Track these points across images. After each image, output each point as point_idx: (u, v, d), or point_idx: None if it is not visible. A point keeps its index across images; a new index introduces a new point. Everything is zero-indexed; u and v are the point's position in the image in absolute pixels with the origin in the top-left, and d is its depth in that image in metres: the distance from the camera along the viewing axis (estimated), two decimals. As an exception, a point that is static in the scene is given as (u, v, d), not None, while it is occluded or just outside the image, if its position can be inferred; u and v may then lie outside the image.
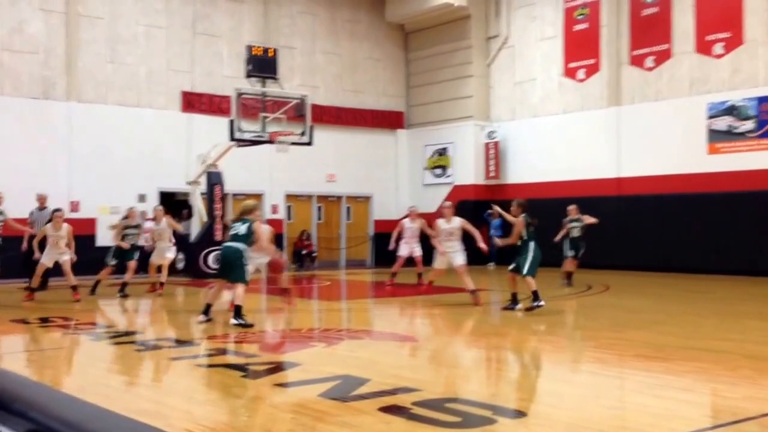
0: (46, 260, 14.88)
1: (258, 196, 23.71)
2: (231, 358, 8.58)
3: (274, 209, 23.94)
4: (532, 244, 12.30)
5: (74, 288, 14.81)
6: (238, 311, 10.83)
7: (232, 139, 19.04)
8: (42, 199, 17.21)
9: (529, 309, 12.14)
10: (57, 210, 15.24)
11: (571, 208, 17.88)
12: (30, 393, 4.59)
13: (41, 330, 11.02)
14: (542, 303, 12.01)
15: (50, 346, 9.86)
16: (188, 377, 7.72)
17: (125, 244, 16.09)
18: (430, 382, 7.13)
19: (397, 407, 5.95)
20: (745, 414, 5.89)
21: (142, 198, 22.02)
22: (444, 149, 26.58)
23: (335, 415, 5.81)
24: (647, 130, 21.70)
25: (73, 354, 9.45)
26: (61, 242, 14.87)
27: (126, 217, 16.41)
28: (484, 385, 7.50)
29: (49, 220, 15.17)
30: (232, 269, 11.15)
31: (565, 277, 17.46)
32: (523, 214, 12.42)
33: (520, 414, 5.86)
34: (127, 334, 10.92)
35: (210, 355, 8.76)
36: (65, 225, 15.03)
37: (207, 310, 11.31)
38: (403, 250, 17.46)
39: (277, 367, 7.80)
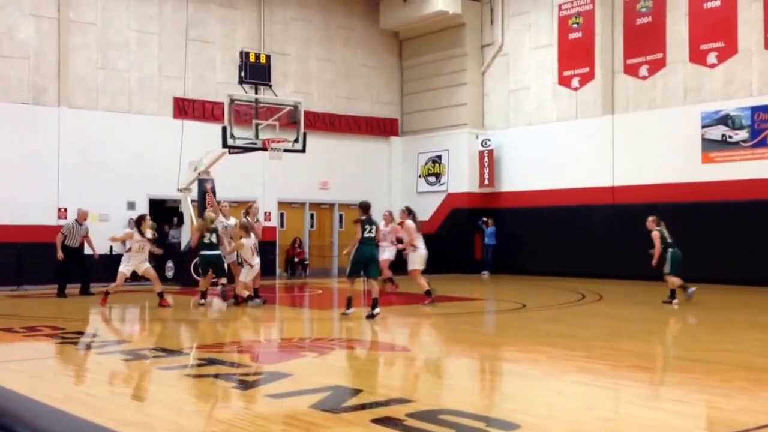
0: (127, 269, 14.81)
1: (250, 203, 23.61)
2: (220, 368, 8.46)
3: (267, 216, 23.82)
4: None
5: (161, 294, 14.89)
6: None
7: (225, 145, 18.91)
8: (83, 215, 17.71)
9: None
10: (144, 215, 15.34)
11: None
12: (12, 405, 4.49)
13: (27, 339, 10.88)
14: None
15: (36, 356, 9.73)
16: (177, 388, 7.61)
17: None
18: (423, 393, 7.05)
19: (389, 419, 5.86)
20: (740, 426, 5.83)
21: (131, 206, 21.89)
22: (438, 157, 26.54)
23: (326, 427, 5.72)
24: (641, 139, 21.69)
25: (59, 364, 9.32)
26: (147, 248, 14.93)
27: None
28: (478, 396, 7.41)
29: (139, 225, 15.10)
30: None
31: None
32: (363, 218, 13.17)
33: (513, 426, 5.77)
34: (116, 343, 10.80)
35: (199, 365, 8.64)
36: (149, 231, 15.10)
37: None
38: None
39: (267, 378, 7.69)
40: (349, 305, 13.08)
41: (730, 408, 6.44)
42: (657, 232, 15.28)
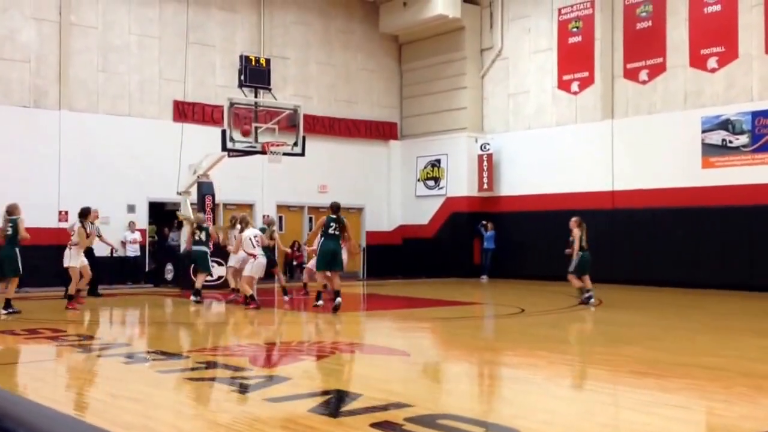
0: (78, 263, 15.16)
1: (249, 207, 23.61)
2: (220, 372, 8.45)
3: (265, 220, 23.77)
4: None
5: (72, 297, 15.01)
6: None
7: (224, 149, 18.91)
8: (93, 215, 17.66)
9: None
10: (89, 208, 15.78)
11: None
12: (14, 408, 4.47)
13: (28, 341, 10.87)
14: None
15: (37, 358, 9.72)
16: (176, 391, 7.60)
17: None
18: (422, 398, 7.03)
19: (388, 423, 5.85)
20: (741, 433, 5.81)
21: (131, 208, 21.87)
22: (437, 161, 26.53)
23: (325, 431, 5.71)
24: (641, 144, 21.66)
25: (59, 366, 9.31)
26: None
27: None
28: (477, 401, 7.40)
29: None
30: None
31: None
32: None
33: (513, 431, 5.76)
34: (116, 346, 10.79)
35: (198, 369, 8.63)
36: None
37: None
38: None
39: (265, 381, 7.68)
40: (318, 297, 14.71)
41: (731, 415, 6.43)
42: (578, 231, 16.18)
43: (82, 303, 15.29)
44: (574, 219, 16.46)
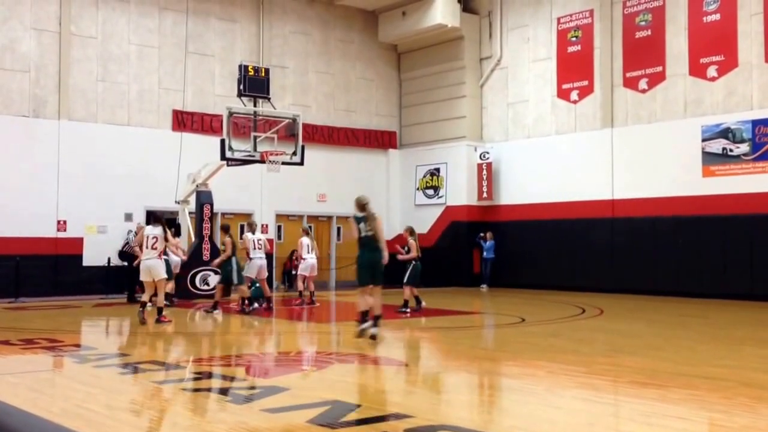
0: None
1: (248, 216, 23.57)
2: (217, 382, 8.39)
3: (264, 229, 23.76)
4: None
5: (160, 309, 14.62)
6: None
7: (223, 158, 18.89)
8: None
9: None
10: (163, 217, 15.79)
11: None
12: (9, 420, 4.44)
13: (24, 352, 10.81)
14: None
15: (33, 369, 9.65)
16: (173, 402, 7.54)
17: None
18: (421, 409, 6.97)
19: (387, 435, 5.81)
20: (743, 444, 5.75)
21: (128, 217, 21.80)
22: (436, 170, 26.50)
23: (323, 444, 5.65)
24: (641, 152, 21.64)
25: (55, 377, 9.25)
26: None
27: None
28: (477, 411, 7.34)
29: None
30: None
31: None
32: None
33: (513, 443, 5.71)
34: (113, 356, 10.72)
35: (195, 379, 8.57)
36: None
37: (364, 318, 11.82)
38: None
39: (264, 392, 7.62)
40: (251, 303, 16.35)
41: (733, 426, 6.37)
42: (412, 240, 16.55)
43: (169, 321, 15.08)
44: (406, 229, 17.20)
